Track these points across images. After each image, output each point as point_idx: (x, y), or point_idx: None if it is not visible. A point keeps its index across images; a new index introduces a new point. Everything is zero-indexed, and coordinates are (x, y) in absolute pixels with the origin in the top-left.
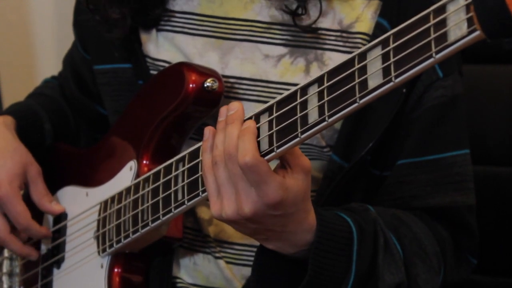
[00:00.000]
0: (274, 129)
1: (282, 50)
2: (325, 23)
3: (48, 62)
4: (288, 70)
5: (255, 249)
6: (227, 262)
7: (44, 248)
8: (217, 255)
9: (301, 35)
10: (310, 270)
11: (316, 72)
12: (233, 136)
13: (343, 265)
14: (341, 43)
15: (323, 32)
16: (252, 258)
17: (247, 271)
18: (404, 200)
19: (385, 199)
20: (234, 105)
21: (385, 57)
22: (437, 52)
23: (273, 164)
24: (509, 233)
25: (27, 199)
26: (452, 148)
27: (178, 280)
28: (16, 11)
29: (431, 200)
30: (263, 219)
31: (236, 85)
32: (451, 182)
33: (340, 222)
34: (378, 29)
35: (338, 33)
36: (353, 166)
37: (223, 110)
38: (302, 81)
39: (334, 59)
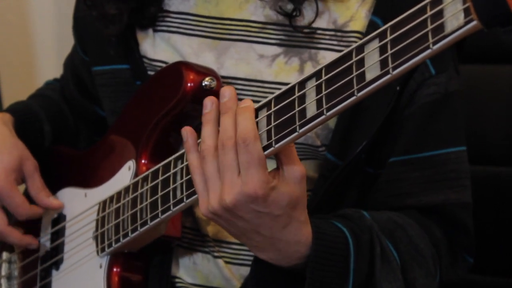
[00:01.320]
0: (273, 124)
1: (276, 50)
2: (320, 23)
3: (48, 62)
4: (283, 69)
5: None
6: (226, 262)
7: (43, 249)
8: (216, 254)
9: (295, 34)
10: (308, 285)
11: (310, 71)
12: (228, 126)
13: (341, 277)
14: (335, 42)
15: (318, 31)
16: (250, 258)
17: (246, 271)
18: (397, 198)
19: (379, 196)
20: (226, 92)
21: (382, 49)
22: (434, 43)
23: (270, 164)
24: (509, 233)
25: (27, 197)
26: (446, 145)
27: (177, 280)
28: (16, 11)
29: (424, 198)
30: (246, 214)
31: (231, 85)
32: (445, 179)
33: (337, 234)
34: (371, 27)
35: (333, 33)
36: (347, 165)
37: (207, 102)
38: (297, 80)
39: (328, 58)
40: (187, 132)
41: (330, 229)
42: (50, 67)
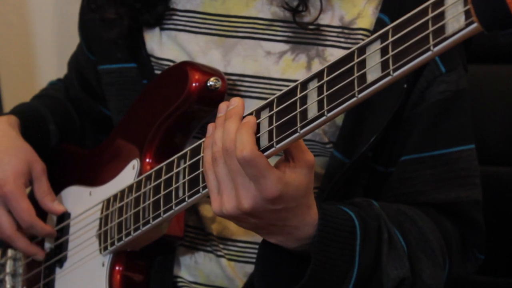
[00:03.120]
0: (274, 124)
1: (283, 46)
2: (326, 19)
3: (48, 62)
4: (290, 66)
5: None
6: (230, 260)
7: (47, 247)
8: (219, 253)
9: (302, 31)
10: (312, 264)
11: (317, 68)
12: (230, 131)
13: (346, 259)
14: (342, 39)
15: (324, 28)
16: (255, 255)
17: (250, 269)
18: (408, 196)
19: (390, 195)
20: (234, 101)
21: (383, 51)
22: (435, 45)
23: (275, 159)
24: (509, 233)
25: (32, 198)
26: (456, 143)
27: (178, 279)
28: (16, 11)
29: (436, 196)
30: (263, 214)
31: (239, 82)
32: (456, 177)
33: (343, 216)
34: (379, 25)
35: (340, 30)
36: (354, 163)
37: (222, 106)
38: (304, 77)
39: (336, 55)
40: (212, 128)
41: (336, 212)
42: (50, 67)
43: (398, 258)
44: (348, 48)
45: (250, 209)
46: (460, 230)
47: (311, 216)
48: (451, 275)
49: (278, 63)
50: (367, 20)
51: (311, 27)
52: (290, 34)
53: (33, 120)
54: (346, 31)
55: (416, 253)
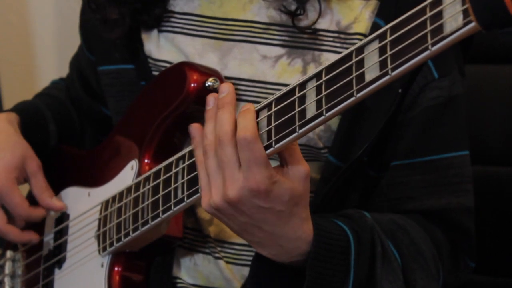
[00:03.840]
0: (273, 124)
1: (279, 51)
2: (323, 24)
3: (48, 62)
4: (286, 71)
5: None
6: (227, 262)
7: (46, 248)
8: (217, 255)
9: (299, 36)
10: (308, 281)
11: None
12: (224, 121)
13: (341, 275)
14: (338, 44)
15: (321, 33)
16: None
17: (247, 271)
18: (399, 201)
19: (381, 200)
20: (224, 88)
21: (382, 50)
22: (433, 44)
23: (273, 164)
24: (509, 233)
25: (30, 197)
26: (449, 149)
27: (178, 281)
28: (16, 11)
29: (427, 202)
30: (249, 210)
31: (235, 86)
32: (447, 183)
33: (337, 232)
34: (375, 29)
35: (336, 34)
36: (349, 167)
37: (210, 98)
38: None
39: (332, 60)
40: (195, 128)
41: (331, 227)
42: (50, 67)
43: (392, 271)
44: None
45: (234, 199)
46: (450, 237)
47: (304, 231)
48: (444, 284)
49: (274, 67)
50: (363, 24)
51: (308, 31)
52: (286, 38)
53: (33, 118)
54: (342, 35)
55: (409, 264)
